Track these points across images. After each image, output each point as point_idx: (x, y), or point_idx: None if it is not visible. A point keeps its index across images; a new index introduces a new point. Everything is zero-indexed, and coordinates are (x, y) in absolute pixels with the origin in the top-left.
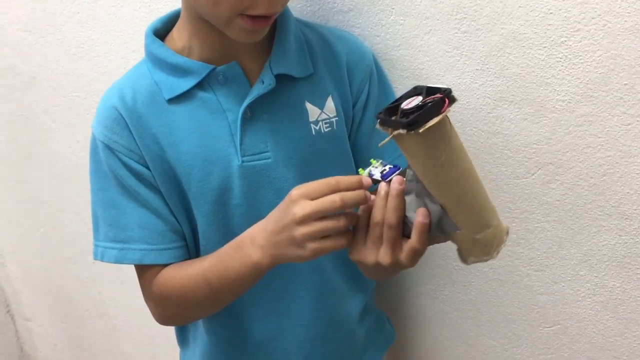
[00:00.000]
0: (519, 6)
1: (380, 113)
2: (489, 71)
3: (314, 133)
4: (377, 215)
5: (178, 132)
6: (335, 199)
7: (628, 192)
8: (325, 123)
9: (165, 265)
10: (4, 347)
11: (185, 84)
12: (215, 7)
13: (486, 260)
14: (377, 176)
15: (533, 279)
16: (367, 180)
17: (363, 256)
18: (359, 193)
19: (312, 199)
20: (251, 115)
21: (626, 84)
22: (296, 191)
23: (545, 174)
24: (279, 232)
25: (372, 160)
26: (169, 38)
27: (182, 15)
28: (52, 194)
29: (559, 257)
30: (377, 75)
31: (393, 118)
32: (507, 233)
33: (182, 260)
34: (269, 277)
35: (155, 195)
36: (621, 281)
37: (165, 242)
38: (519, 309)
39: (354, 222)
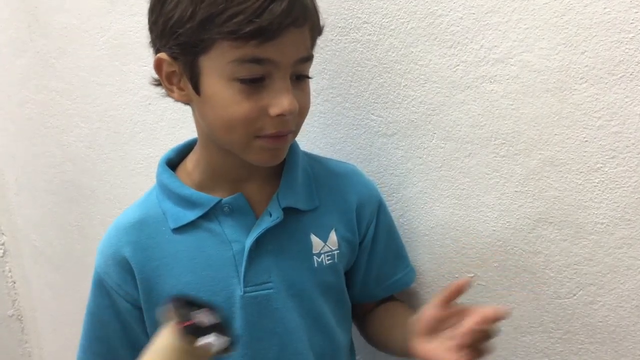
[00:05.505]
0: (555, 134)
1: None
2: (528, 193)
3: (315, 265)
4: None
5: (181, 262)
6: None
7: None
8: (327, 255)
9: None
10: None
11: (191, 214)
12: (231, 134)
13: None
14: None
15: None
16: None
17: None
18: None
19: None
20: (256, 246)
21: None
22: None
23: (587, 295)
24: None
25: None
26: (181, 166)
27: (198, 143)
28: None
29: None
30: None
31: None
32: None
33: None
34: None
35: (121, 332)
36: None
37: None
38: None
39: None
